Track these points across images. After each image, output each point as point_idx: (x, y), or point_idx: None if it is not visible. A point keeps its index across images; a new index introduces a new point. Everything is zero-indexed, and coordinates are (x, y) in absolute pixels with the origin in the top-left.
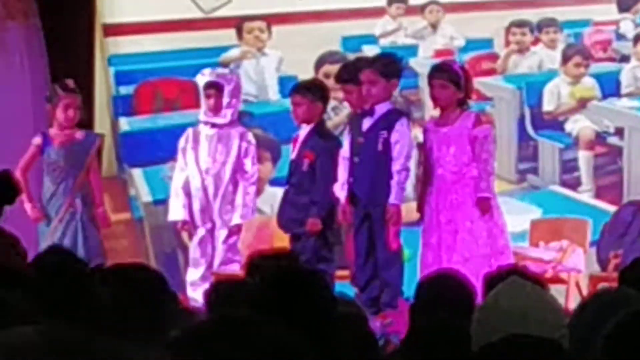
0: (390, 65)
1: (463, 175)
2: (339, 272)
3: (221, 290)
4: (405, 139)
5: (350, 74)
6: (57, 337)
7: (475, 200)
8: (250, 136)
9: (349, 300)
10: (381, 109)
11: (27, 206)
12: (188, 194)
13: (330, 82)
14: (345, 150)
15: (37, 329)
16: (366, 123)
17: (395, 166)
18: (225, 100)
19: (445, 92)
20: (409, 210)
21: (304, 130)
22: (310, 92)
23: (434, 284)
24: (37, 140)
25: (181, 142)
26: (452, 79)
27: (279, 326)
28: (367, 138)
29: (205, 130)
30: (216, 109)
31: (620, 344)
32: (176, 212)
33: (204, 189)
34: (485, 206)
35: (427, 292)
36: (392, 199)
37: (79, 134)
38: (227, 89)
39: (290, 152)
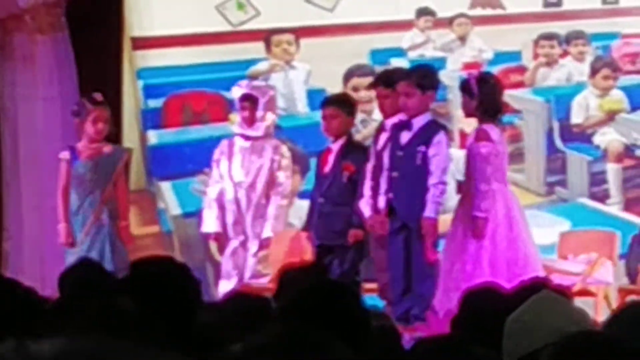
0: (427, 77)
1: (469, 191)
2: (367, 285)
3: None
4: (442, 153)
5: (388, 78)
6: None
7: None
8: (284, 149)
9: (382, 314)
10: (419, 122)
11: (61, 226)
12: (222, 206)
13: (358, 95)
14: (371, 165)
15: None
16: (405, 137)
17: (432, 180)
18: (260, 112)
19: (463, 101)
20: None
21: (337, 143)
22: (344, 105)
23: (477, 297)
24: (66, 155)
25: (216, 154)
26: (464, 88)
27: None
28: (405, 152)
29: (239, 142)
30: (251, 121)
31: None
32: (210, 223)
33: (237, 201)
34: (478, 224)
35: (470, 305)
36: (427, 212)
37: (107, 148)
38: (262, 102)
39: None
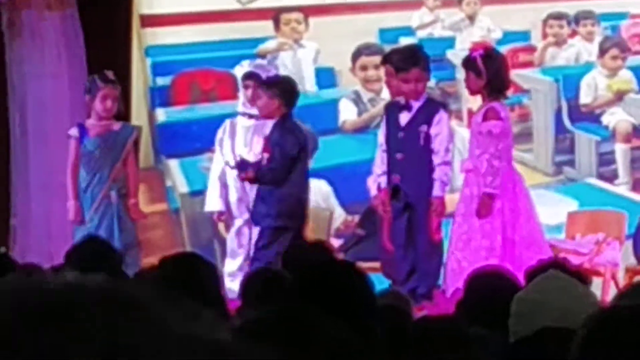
0: (428, 60)
1: (477, 169)
2: (370, 264)
3: (256, 281)
4: (444, 132)
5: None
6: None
7: (480, 195)
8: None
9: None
10: (418, 102)
11: (71, 204)
12: (225, 185)
13: (366, 74)
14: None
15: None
16: (404, 117)
17: (437, 159)
18: None
19: (468, 79)
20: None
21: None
22: (270, 87)
23: (482, 281)
24: (75, 132)
25: (219, 133)
26: (470, 66)
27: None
28: (407, 133)
29: (242, 122)
30: (254, 100)
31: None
32: (213, 202)
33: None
34: (487, 202)
35: (476, 289)
36: (436, 191)
37: (116, 125)
38: None
39: (327, 143)
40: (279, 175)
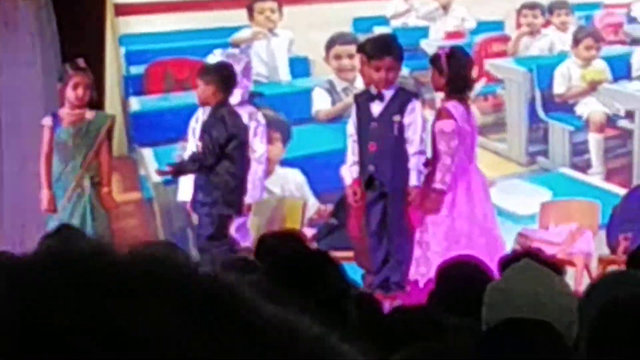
0: (402, 49)
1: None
2: (343, 253)
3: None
4: (417, 121)
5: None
6: None
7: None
8: (259, 116)
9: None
10: (390, 91)
11: (44, 193)
12: None
13: (340, 63)
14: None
15: None
16: (376, 107)
17: (412, 149)
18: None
19: (432, 75)
20: None
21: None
22: (206, 74)
23: (453, 270)
24: (48, 121)
25: (192, 123)
26: (434, 63)
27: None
28: (380, 123)
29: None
30: None
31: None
32: (186, 192)
33: None
34: (435, 198)
35: (447, 278)
36: (412, 181)
37: (90, 114)
38: (237, 69)
39: (300, 132)
40: (204, 162)
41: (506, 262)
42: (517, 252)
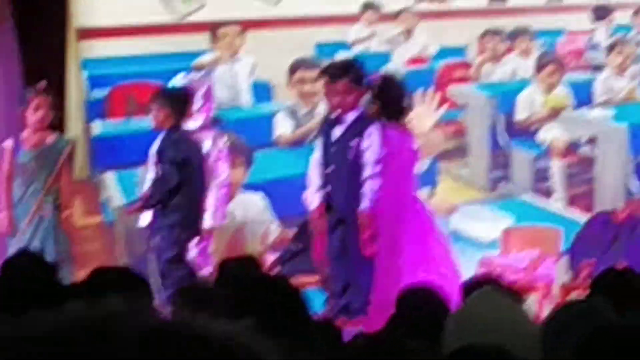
0: (361, 72)
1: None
2: (306, 278)
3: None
4: (374, 146)
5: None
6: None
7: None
8: (222, 140)
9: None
10: (351, 116)
11: (3, 215)
12: None
13: (303, 88)
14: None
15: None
16: (337, 131)
17: (366, 173)
18: (197, 105)
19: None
20: None
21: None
22: (160, 97)
23: (411, 295)
24: (9, 144)
25: (153, 147)
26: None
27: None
28: (338, 147)
29: None
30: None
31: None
32: (146, 217)
33: None
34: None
35: (405, 303)
36: (362, 205)
37: (51, 138)
38: (199, 94)
39: (263, 157)
40: (168, 183)
41: (467, 288)
42: (477, 278)
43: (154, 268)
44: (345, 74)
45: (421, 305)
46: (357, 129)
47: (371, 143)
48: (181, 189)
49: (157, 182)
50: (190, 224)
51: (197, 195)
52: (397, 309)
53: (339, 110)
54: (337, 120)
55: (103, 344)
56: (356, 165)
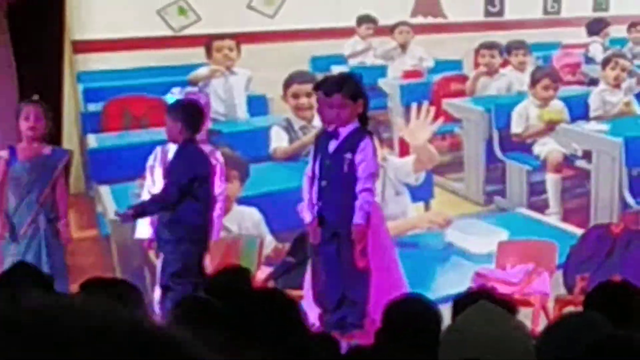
0: (357, 87)
1: None
2: (300, 292)
3: (184, 308)
4: (368, 159)
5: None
6: None
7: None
8: (218, 154)
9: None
10: (346, 130)
11: None
12: None
13: (298, 102)
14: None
15: None
16: (332, 145)
17: (359, 186)
18: None
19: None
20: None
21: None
22: (173, 111)
23: (401, 308)
24: (4, 153)
25: (149, 161)
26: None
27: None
28: (333, 160)
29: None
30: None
31: None
32: (143, 230)
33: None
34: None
35: (394, 316)
36: (356, 219)
37: (47, 149)
38: None
39: (258, 171)
40: (167, 200)
41: (459, 301)
42: (470, 291)
43: (150, 281)
44: (340, 88)
45: (411, 316)
46: (351, 142)
47: (364, 157)
48: (189, 204)
49: (158, 197)
50: (199, 240)
51: (205, 210)
52: (386, 321)
53: (333, 125)
54: (333, 135)
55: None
56: (350, 179)
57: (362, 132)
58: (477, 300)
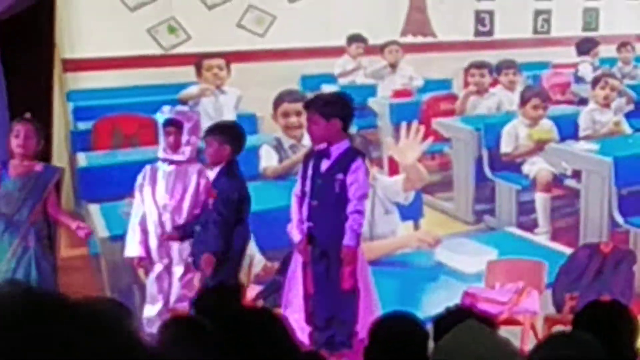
0: (329, 104)
1: None
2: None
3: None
4: (359, 180)
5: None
6: None
7: None
8: (207, 173)
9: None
10: (337, 149)
11: None
12: (145, 231)
13: (288, 121)
14: (298, 189)
15: None
16: (324, 165)
17: (350, 207)
18: (185, 137)
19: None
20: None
21: (214, 171)
22: (221, 133)
23: (387, 325)
24: None
25: (139, 179)
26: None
27: None
28: (324, 180)
29: (163, 167)
30: (175, 146)
31: None
32: (132, 248)
33: (162, 225)
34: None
35: (381, 333)
36: (346, 240)
37: (38, 167)
38: (187, 127)
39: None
40: (226, 221)
41: (441, 320)
42: (450, 311)
43: (140, 300)
44: (314, 105)
45: (397, 334)
46: (343, 163)
47: (356, 178)
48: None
49: (218, 223)
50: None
51: (248, 232)
52: (373, 339)
53: (324, 144)
54: (324, 154)
55: None
56: (341, 200)
57: (355, 153)
58: (458, 319)
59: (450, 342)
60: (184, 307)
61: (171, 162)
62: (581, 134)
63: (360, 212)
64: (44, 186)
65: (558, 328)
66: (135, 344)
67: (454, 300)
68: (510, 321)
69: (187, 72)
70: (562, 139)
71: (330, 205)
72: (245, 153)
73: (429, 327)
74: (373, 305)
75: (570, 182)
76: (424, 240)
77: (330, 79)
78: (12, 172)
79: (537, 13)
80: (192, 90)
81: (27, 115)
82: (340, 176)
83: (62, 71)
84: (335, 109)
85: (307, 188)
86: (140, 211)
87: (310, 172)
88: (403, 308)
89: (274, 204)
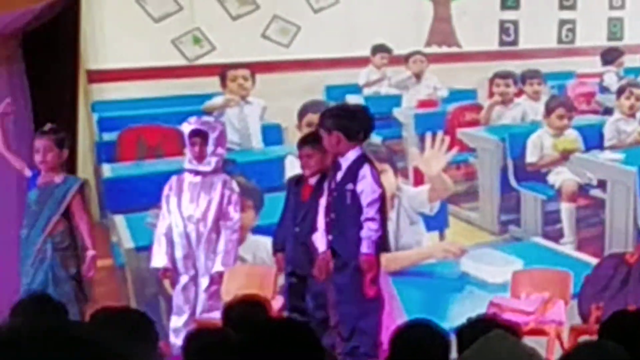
0: (328, 118)
1: None
2: None
3: (199, 338)
4: (368, 187)
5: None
6: None
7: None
8: (233, 184)
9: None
10: (346, 160)
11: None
12: (170, 242)
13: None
14: (324, 202)
15: None
16: (338, 177)
17: (363, 216)
18: (210, 148)
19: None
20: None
21: (314, 178)
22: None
23: (408, 332)
24: (28, 172)
25: (165, 190)
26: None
27: None
28: (338, 192)
29: (189, 178)
30: (201, 157)
31: None
32: (158, 259)
33: (187, 236)
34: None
35: (402, 341)
36: (362, 249)
37: (59, 178)
38: (212, 137)
39: (273, 200)
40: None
41: (465, 330)
42: (473, 320)
43: (165, 310)
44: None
45: (419, 342)
46: (352, 172)
47: (364, 186)
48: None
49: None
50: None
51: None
52: (394, 348)
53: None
54: (337, 166)
55: None
56: (354, 210)
57: (362, 160)
58: (482, 328)
59: (476, 353)
60: (210, 317)
61: (197, 172)
62: (606, 143)
63: (371, 220)
64: (63, 198)
65: (584, 338)
66: None
67: (480, 310)
68: (537, 331)
69: (211, 83)
70: (587, 148)
71: (345, 216)
72: (270, 163)
73: (454, 338)
74: (397, 315)
75: (596, 192)
76: (449, 251)
77: (355, 89)
78: (39, 183)
79: (562, 23)
80: (217, 101)
81: (47, 127)
82: (350, 186)
83: (87, 82)
84: (333, 122)
85: (323, 202)
86: (166, 222)
87: (329, 185)
88: (428, 318)
89: None
